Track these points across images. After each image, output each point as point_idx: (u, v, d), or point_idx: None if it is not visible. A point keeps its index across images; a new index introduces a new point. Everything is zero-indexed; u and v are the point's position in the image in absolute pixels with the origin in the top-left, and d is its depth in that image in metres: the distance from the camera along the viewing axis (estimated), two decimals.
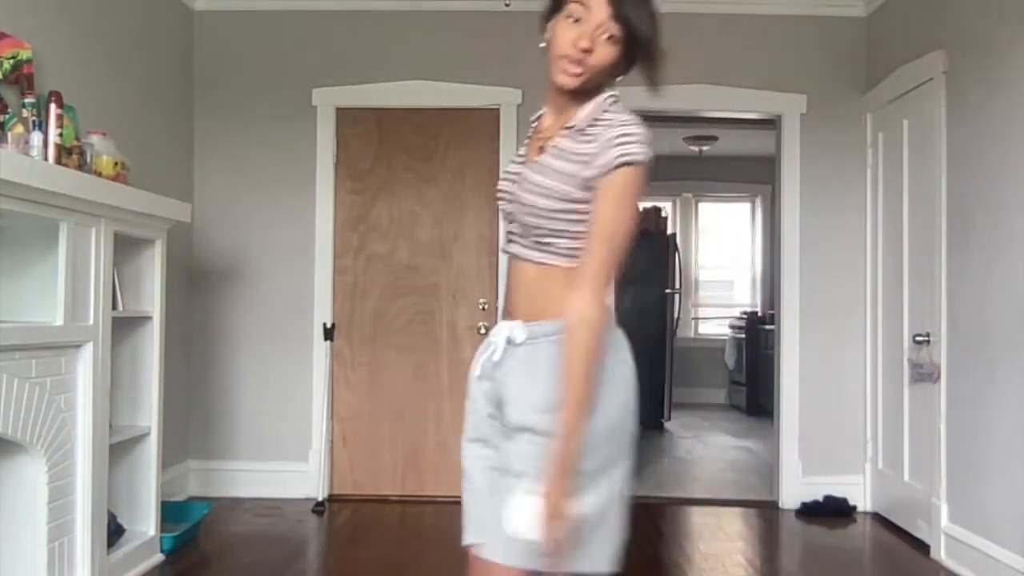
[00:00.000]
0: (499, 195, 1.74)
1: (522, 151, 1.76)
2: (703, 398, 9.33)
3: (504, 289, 1.78)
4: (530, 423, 1.58)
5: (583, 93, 1.62)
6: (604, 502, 1.58)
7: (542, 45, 1.65)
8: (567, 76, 1.59)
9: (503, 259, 1.83)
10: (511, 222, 1.71)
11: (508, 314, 1.71)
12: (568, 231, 1.60)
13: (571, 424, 1.51)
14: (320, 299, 4.85)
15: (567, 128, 1.62)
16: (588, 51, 1.56)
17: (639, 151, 1.54)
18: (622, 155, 1.53)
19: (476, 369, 1.73)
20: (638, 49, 1.59)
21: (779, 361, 4.87)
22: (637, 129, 1.56)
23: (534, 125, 1.76)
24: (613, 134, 1.55)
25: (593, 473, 1.56)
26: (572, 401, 1.51)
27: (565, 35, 1.58)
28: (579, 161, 1.58)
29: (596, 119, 1.60)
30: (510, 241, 1.71)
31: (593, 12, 1.56)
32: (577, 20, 1.57)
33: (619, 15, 1.56)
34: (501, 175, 1.75)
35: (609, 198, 1.55)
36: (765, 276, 9.27)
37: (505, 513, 1.57)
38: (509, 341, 1.65)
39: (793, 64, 4.85)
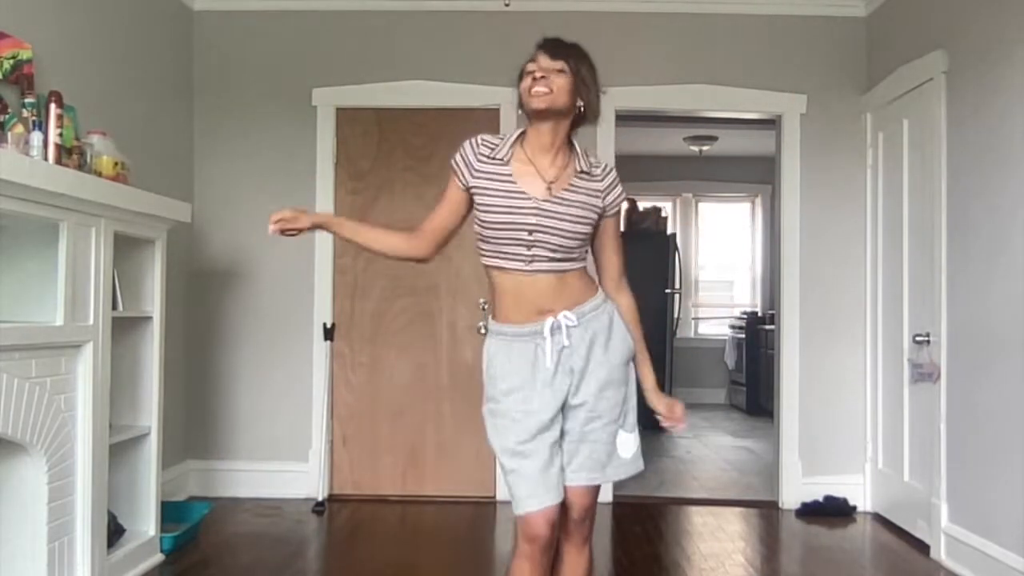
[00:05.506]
0: (516, 226, 2.11)
1: (514, 183, 2.15)
2: (703, 398, 9.32)
3: (508, 300, 2.19)
4: (615, 377, 2.18)
5: (558, 122, 2.14)
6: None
7: (519, 112, 2.21)
8: (538, 98, 2.09)
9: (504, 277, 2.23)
10: (531, 247, 2.11)
11: (539, 314, 2.14)
12: (584, 244, 2.21)
13: (646, 356, 2.32)
14: (320, 299, 4.85)
15: (582, 173, 2.18)
16: (545, 76, 2.09)
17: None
18: (622, 192, 2.26)
19: (548, 361, 2.13)
20: (581, 84, 2.13)
21: (779, 361, 4.87)
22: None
23: (502, 158, 2.18)
24: (614, 176, 2.24)
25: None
26: (642, 344, 2.29)
27: (526, 82, 2.13)
28: (596, 195, 2.19)
29: (592, 164, 2.21)
30: (532, 260, 2.13)
31: (540, 61, 2.12)
32: (531, 72, 2.12)
33: (557, 56, 2.12)
34: (507, 208, 2.12)
35: (618, 222, 2.29)
36: (765, 276, 9.27)
37: (618, 444, 2.20)
38: (567, 327, 2.14)
39: (793, 64, 4.84)
